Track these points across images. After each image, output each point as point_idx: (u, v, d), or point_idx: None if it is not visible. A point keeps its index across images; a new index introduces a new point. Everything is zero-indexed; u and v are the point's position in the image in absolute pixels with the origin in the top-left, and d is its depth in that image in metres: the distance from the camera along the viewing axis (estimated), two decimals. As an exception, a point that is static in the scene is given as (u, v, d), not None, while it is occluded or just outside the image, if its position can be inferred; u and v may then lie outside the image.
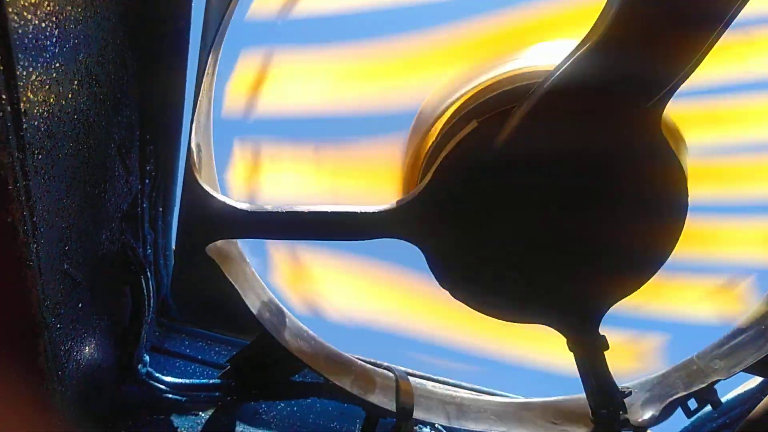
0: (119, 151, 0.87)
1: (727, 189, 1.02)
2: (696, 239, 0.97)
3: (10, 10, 0.51)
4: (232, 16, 0.78)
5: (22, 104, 0.57)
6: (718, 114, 0.95)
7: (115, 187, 0.90)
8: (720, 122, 0.95)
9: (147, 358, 1.21)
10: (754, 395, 1.27)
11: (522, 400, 1.25)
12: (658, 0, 0.71)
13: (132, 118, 0.89)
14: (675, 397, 1.11)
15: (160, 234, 1.13)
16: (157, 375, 1.21)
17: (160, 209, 1.09)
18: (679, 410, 1.17)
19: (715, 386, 1.12)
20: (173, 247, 1.18)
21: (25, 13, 0.54)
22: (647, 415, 1.11)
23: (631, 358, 1.20)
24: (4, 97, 0.54)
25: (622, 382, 1.15)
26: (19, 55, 0.54)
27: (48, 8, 0.58)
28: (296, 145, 0.96)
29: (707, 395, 1.12)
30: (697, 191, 0.94)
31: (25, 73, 0.56)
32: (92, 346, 0.97)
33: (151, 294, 1.11)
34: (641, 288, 1.02)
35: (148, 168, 1.00)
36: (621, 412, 1.04)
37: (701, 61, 0.75)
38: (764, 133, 0.97)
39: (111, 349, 1.09)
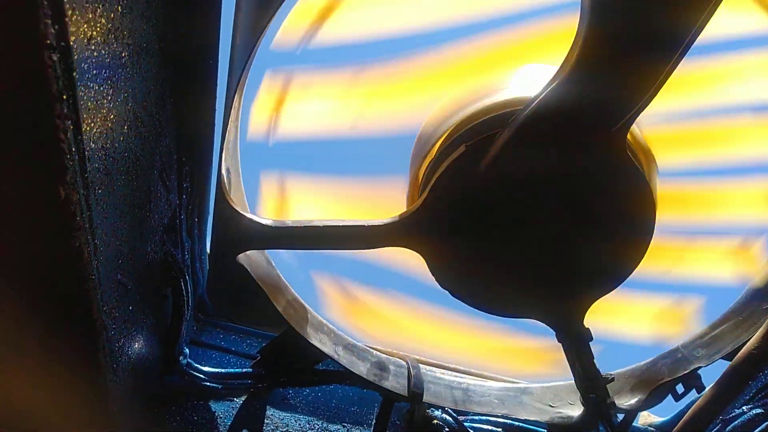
0: (160, 174, 1.01)
1: (690, 210, 1.11)
2: (652, 258, 1.07)
3: (79, 82, 0.65)
4: (252, 63, 0.91)
5: (86, 153, 0.70)
6: (689, 136, 1.04)
7: (158, 205, 1.03)
8: (691, 144, 1.04)
9: (187, 350, 1.30)
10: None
11: (523, 385, 1.35)
12: (618, 26, 0.78)
13: (170, 145, 1.02)
14: (661, 382, 1.21)
15: (197, 241, 1.26)
16: (196, 365, 1.31)
17: (196, 220, 1.22)
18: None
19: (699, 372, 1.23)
20: (208, 252, 1.32)
21: (89, 83, 0.68)
22: (635, 399, 1.22)
23: (676, 322, 1.29)
24: (73, 149, 0.67)
25: (668, 346, 1.25)
26: (84, 115, 0.68)
27: (105, 75, 0.71)
28: (313, 175, 1.08)
29: (692, 380, 1.22)
30: (664, 211, 1.05)
31: (88, 128, 0.70)
32: (140, 342, 1.10)
33: (190, 294, 1.23)
34: (666, 254, 1.13)
35: (185, 185, 1.13)
36: (608, 397, 1.15)
37: (662, 86, 0.83)
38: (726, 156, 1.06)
39: (156, 344, 1.20)
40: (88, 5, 0.64)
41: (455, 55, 1.03)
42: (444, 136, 0.99)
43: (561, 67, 0.84)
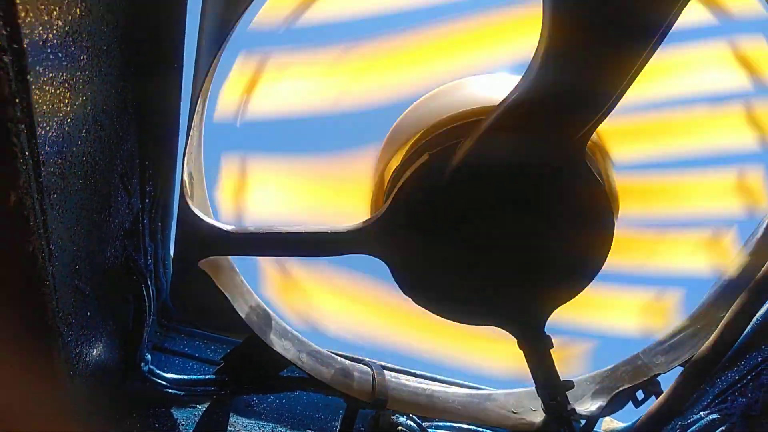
0: (121, 178, 0.99)
1: (659, 203, 1.13)
2: (628, 254, 1.08)
3: (33, 85, 0.64)
4: (216, 69, 0.90)
5: (40, 157, 0.69)
6: (649, 128, 1.05)
7: (118, 209, 1.02)
8: (652, 136, 1.05)
9: (149, 356, 1.28)
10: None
11: (486, 391, 1.36)
12: (588, 15, 0.75)
13: (133, 149, 1.01)
14: (621, 388, 1.23)
15: (160, 245, 1.24)
16: (158, 372, 1.29)
17: (159, 224, 1.20)
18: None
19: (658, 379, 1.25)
20: (171, 256, 1.30)
21: (44, 86, 0.66)
22: (596, 405, 1.23)
23: (660, 315, 1.30)
24: (27, 153, 0.66)
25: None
26: (38, 119, 0.67)
27: (62, 78, 0.70)
28: (275, 155, 1.06)
29: (651, 387, 1.24)
30: (629, 206, 1.06)
31: (42, 132, 0.68)
32: (100, 348, 1.09)
33: (152, 299, 1.21)
34: (639, 248, 1.15)
35: (148, 189, 1.12)
36: (568, 404, 1.16)
37: (634, 79, 0.80)
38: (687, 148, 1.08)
39: (117, 350, 1.18)
40: (43, 7, 0.63)
41: (436, 34, 1.01)
42: (410, 143, 0.99)
43: (526, 71, 0.84)
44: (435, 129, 0.96)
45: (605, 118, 0.83)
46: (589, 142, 0.94)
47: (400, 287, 1.06)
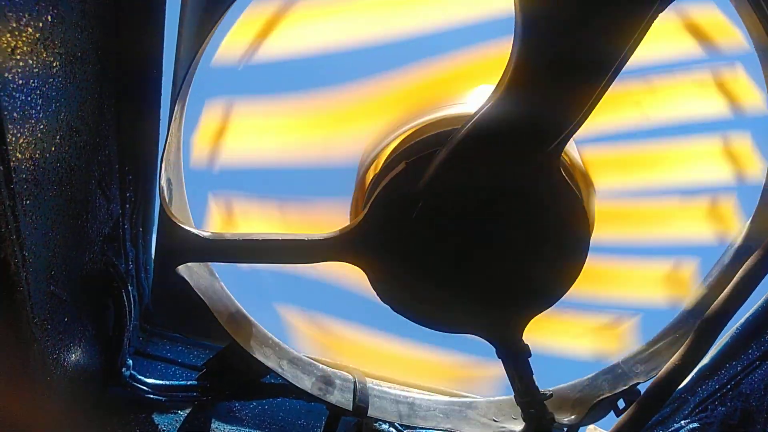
0: (99, 184, 0.99)
1: (627, 231, 1.14)
2: (590, 278, 1.09)
3: (2, 92, 0.64)
4: (195, 72, 0.90)
5: (11, 163, 0.69)
6: (624, 159, 1.06)
7: (96, 215, 1.02)
8: (626, 167, 1.07)
9: (130, 362, 1.29)
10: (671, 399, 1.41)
11: (468, 399, 1.36)
12: (547, 49, 0.79)
13: (111, 155, 1.01)
14: (602, 397, 1.23)
15: (141, 250, 1.24)
16: (139, 377, 1.29)
17: (141, 229, 1.21)
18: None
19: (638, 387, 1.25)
20: (153, 260, 1.30)
21: (14, 93, 0.67)
22: (575, 414, 1.24)
23: (613, 339, 1.31)
24: (-3, 170, 0.66)
25: (607, 362, 1.27)
26: (9, 126, 0.67)
27: (33, 84, 0.70)
28: (261, 201, 1.08)
29: (631, 395, 1.24)
30: (602, 232, 1.07)
31: (13, 138, 0.68)
32: (78, 353, 1.08)
33: (133, 304, 1.21)
34: (602, 274, 1.16)
35: (128, 195, 1.12)
36: (548, 412, 1.16)
37: (593, 108, 0.84)
38: (665, 177, 1.09)
39: (97, 356, 1.18)
40: (11, 14, 0.63)
41: (394, 83, 1.04)
42: (388, 151, 1.00)
43: (496, 88, 0.85)
44: (412, 137, 0.96)
45: (569, 138, 0.85)
46: (575, 169, 0.96)
47: (378, 295, 1.06)
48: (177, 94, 0.93)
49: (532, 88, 0.82)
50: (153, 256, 1.27)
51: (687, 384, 1.41)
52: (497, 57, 0.98)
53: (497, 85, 0.85)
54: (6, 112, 0.65)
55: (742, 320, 1.29)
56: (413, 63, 1.01)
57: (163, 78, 0.99)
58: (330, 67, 1.04)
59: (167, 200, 0.97)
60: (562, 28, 0.76)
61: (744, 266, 0.98)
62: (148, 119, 1.03)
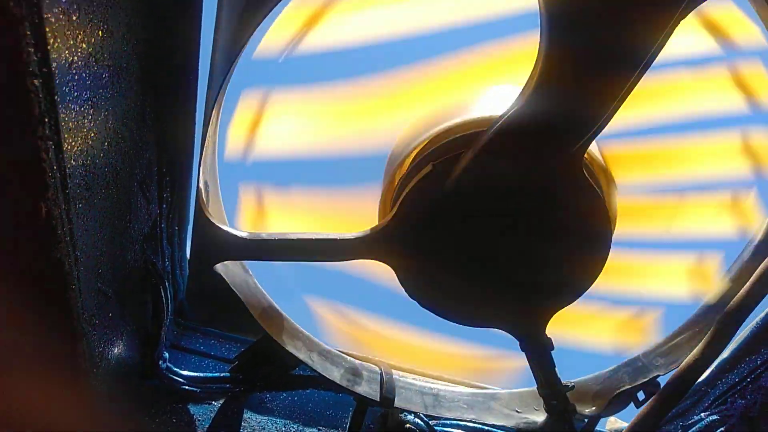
0: (141, 186, 1.05)
1: (651, 225, 1.16)
2: (614, 272, 1.12)
3: (60, 105, 0.69)
4: (229, 82, 0.95)
5: (67, 170, 0.74)
6: (646, 155, 1.09)
7: (138, 215, 1.07)
8: (648, 162, 1.09)
9: (167, 355, 1.33)
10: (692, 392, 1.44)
11: (491, 391, 1.40)
12: (579, 44, 0.80)
13: (151, 158, 1.06)
14: (622, 389, 1.26)
15: (177, 248, 1.30)
16: (175, 369, 1.34)
17: (176, 228, 1.26)
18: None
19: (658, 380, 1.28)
20: (188, 258, 1.35)
21: (70, 105, 0.72)
22: (596, 406, 1.27)
23: (636, 332, 1.35)
24: (55, 167, 0.71)
25: (629, 355, 1.31)
26: (65, 135, 0.72)
27: (85, 96, 0.75)
28: (289, 192, 1.12)
29: (651, 387, 1.27)
30: (625, 227, 1.10)
31: (69, 147, 0.73)
32: (120, 347, 1.14)
33: (169, 300, 1.27)
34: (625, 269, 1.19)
35: (165, 195, 1.17)
36: (569, 403, 1.20)
37: (621, 104, 0.86)
38: (686, 173, 1.12)
39: (136, 349, 1.24)
40: (69, 32, 0.68)
41: (430, 71, 1.07)
42: (414, 153, 1.04)
43: (523, 89, 0.89)
44: (439, 139, 1.00)
45: (596, 135, 0.87)
46: (596, 166, 0.99)
47: (407, 292, 1.10)
48: (214, 101, 0.97)
49: (559, 87, 0.84)
50: (187, 254, 1.33)
51: (707, 377, 1.43)
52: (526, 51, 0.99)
53: (524, 86, 0.88)
54: (63, 123, 0.70)
55: (762, 314, 1.31)
56: (445, 55, 1.04)
57: (199, 83, 1.04)
58: (368, 58, 1.06)
59: (205, 201, 1.02)
60: (590, 22, 0.78)
61: (764, 262, 1.01)
62: (184, 124, 1.07)
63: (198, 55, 1.02)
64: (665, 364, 1.24)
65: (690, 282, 1.24)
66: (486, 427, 1.38)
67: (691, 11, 0.80)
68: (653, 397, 1.08)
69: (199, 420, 1.36)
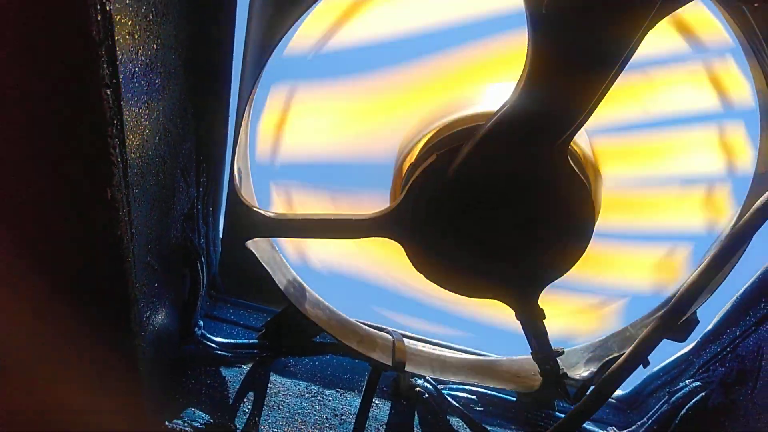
0: (182, 173, 1.19)
1: (629, 217, 1.28)
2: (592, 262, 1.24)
3: (125, 108, 0.83)
4: (261, 79, 1.08)
5: (128, 161, 0.89)
6: (628, 149, 1.20)
7: (180, 198, 1.22)
8: (629, 157, 1.21)
9: (201, 323, 1.49)
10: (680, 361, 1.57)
11: (493, 357, 1.54)
12: (560, 45, 0.90)
13: (191, 148, 1.21)
14: (610, 356, 1.39)
15: (211, 227, 1.45)
16: (209, 336, 1.49)
17: (210, 209, 1.41)
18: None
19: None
20: (220, 236, 1.50)
21: (132, 107, 0.86)
22: (587, 371, 1.40)
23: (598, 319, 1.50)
24: (119, 160, 0.86)
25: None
26: (128, 133, 0.87)
27: (143, 99, 0.90)
28: (316, 192, 1.26)
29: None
30: (606, 218, 1.22)
31: (129, 142, 0.88)
32: (163, 314, 1.28)
33: (204, 273, 1.43)
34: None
35: (202, 180, 1.32)
36: (562, 369, 1.34)
37: (601, 100, 0.95)
38: (665, 167, 1.23)
39: (176, 317, 1.39)
40: (133, 48, 0.82)
41: (437, 68, 1.19)
42: (421, 144, 1.17)
43: (515, 86, 1.00)
44: (443, 132, 1.13)
45: (580, 128, 1.00)
46: (582, 157, 1.12)
47: (414, 266, 1.24)
48: (247, 97, 1.11)
49: (544, 84, 0.95)
50: (220, 233, 1.48)
51: (694, 347, 1.57)
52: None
53: (516, 84, 1.00)
54: (126, 123, 0.85)
55: (742, 290, 1.44)
56: (452, 52, 1.15)
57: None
58: (387, 54, 1.17)
59: (239, 185, 1.16)
60: (569, 26, 0.89)
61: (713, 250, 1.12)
62: (219, 117, 1.21)
63: (232, 57, 1.16)
64: (650, 333, 1.37)
65: (657, 273, 1.35)
66: (488, 391, 1.53)
67: (663, 18, 0.91)
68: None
69: (230, 381, 1.51)
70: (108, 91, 0.78)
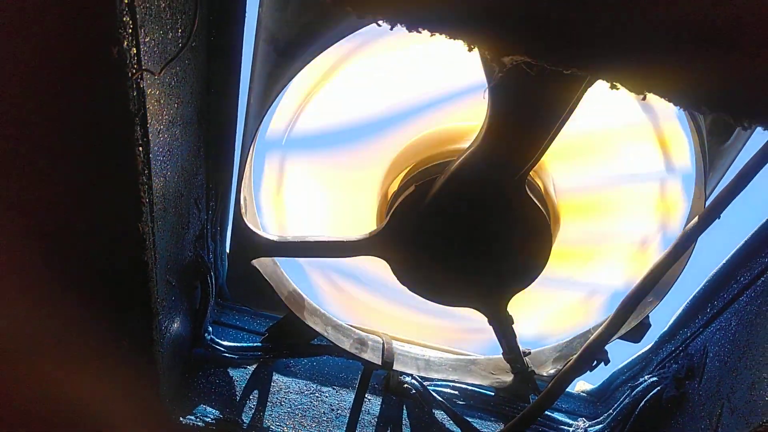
0: (196, 202, 1.37)
1: (592, 218, 1.45)
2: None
3: (152, 160, 1.01)
4: (258, 133, 1.25)
5: (154, 201, 1.07)
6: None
7: (193, 223, 1.40)
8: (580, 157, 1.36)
9: (210, 328, 1.65)
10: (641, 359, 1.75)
11: (472, 357, 1.72)
12: (511, 108, 1.06)
13: (202, 180, 1.38)
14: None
15: (218, 244, 1.62)
16: (217, 340, 1.64)
17: (218, 228, 1.58)
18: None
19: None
20: (227, 251, 1.67)
21: (158, 156, 1.04)
22: (554, 369, 1.59)
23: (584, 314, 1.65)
24: (147, 200, 1.03)
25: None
26: (154, 177, 1.04)
27: (165, 149, 1.07)
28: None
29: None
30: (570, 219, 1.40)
31: (155, 185, 1.06)
32: (177, 322, 1.45)
33: (213, 285, 1.60)
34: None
35: (211, 204, 1.49)
36: (530, 367, 1.52)
37: (548, 146, 1.11)
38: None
39: (188, 324, 1.55)
40: (159, 111, 1.00)
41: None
42: (401, 175, 1.35)
43: (478, 134, 1.16)
44: (420, 165, 1.31)
45: (531, 169, 1.17)
46: (543, 190, 1.29)
47: (398, 279, 1.42)
48: (249, 144, 1.28)
49: (501, 133, 1.12)
50: (227, 249, 1.64)
51: (652, 347, 1.75)
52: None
53: (479, 131, 1.17)
54: (153, 169, 1.02)
55: (692, 296, 1.61)
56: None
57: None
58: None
59: (244, 212, 1.34)
60: (520, 95, 1.05)
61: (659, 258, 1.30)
62: (226, 157, 1.38)
63: (237, 114, 1.31)
64: (609, 335, 1.54)
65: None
66: (467, 386, 1.70)
67: (588, 88, 1.05)
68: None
69: (236, 380, 1.66)
70: (140, 149, 0.95)
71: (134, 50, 0.83)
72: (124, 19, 0.78)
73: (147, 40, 0.86)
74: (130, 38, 0.80)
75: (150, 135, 0.97)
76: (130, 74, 0.83)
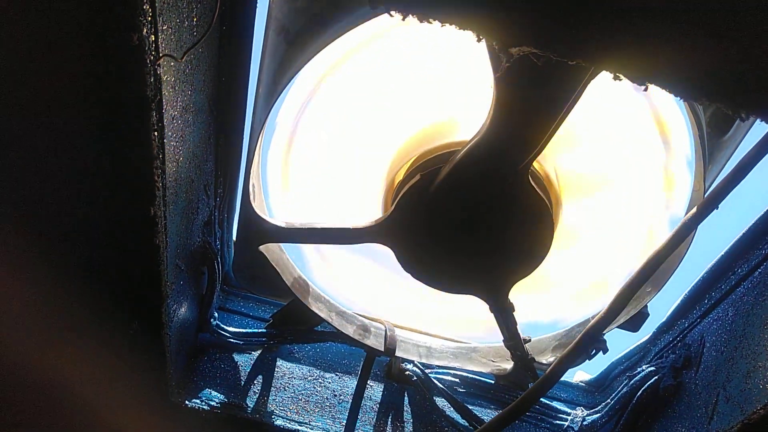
0: (205, 188, 1.40)
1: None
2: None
3: (167, 143, 1.03)
4: (268, 119, 1.28)
5: (167, 185, 1.09)
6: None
7: (202, 208, 1.42)
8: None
9: (216, 314, 1.67)
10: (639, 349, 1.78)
11: (472, 345, 1.75)
12: (517, 96, 1.08)
13: (212, 168, 1.40)
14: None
15: (225, 231, 1.65)
16: (223, 326, 1.67)
17: (225, 215, 1.61)
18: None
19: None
20: (233, 239, 1.70)
21: (171, 142, 1.06)
22: (553, 357, 1.62)
23: None
24: (161, 184, 1.06)
25: None
26: (168, 162, 1.07)
27: (179, 134, 1.10)
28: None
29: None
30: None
31: (168, 169, 1.08)
32: (185, 307, 1.47)
33: (220, 271, 1.62)
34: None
35: (219, 191, 1.52)
36: (530, 354, 1.55)
37: (552, 137, 1.14)
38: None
39: (195, 309, 1.58)
40: (174, 97, 1.02)
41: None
42: (407, 165, 1.38)
43: (483, 123, 1.20)
44: (426, 155, 1.34)
45: (535, 158, 1.20)
46: (545, 179, 1.31)
47: (402, 267, 1.44)
48: (259, 129, 1.31)
49: (506, 122, 1.14)
50: (234, 236, 1.67)
51: (650, 337, 1.78)
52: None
53: (484, 120, 1.20)
54: (167, 154, 1.05)
55: (690, 287, 1.64)
56: None
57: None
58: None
59: (253, 199, 1.36)
60: (526, 85, 1.07)
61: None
62: (234, 145, 1.42)
63: (246, 102, 1.34)
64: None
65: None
66: (468, 373, 1.73)
67: (592, 79, 1.07)
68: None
69: (241, 366, 1.69)
70: (155, 134, 0.98)
71: (153, 37, 0.85)
72: (144, 7, 0.80)
73: (164, 28, 0.89)
74: (150, 26, 0.83)
75: (165, 120, 1.00)
76: (148, 61, 0.85)
